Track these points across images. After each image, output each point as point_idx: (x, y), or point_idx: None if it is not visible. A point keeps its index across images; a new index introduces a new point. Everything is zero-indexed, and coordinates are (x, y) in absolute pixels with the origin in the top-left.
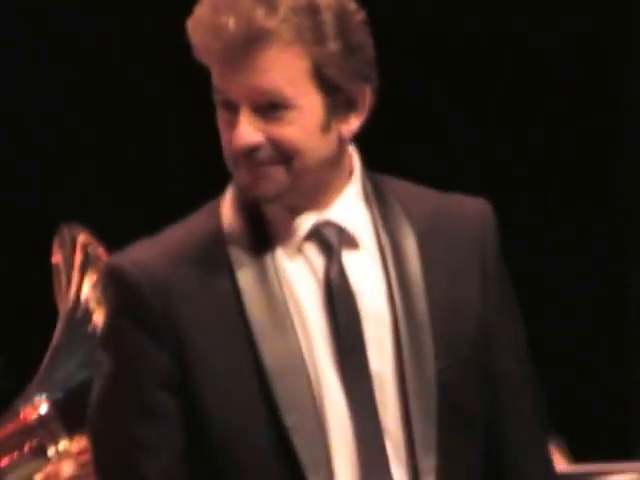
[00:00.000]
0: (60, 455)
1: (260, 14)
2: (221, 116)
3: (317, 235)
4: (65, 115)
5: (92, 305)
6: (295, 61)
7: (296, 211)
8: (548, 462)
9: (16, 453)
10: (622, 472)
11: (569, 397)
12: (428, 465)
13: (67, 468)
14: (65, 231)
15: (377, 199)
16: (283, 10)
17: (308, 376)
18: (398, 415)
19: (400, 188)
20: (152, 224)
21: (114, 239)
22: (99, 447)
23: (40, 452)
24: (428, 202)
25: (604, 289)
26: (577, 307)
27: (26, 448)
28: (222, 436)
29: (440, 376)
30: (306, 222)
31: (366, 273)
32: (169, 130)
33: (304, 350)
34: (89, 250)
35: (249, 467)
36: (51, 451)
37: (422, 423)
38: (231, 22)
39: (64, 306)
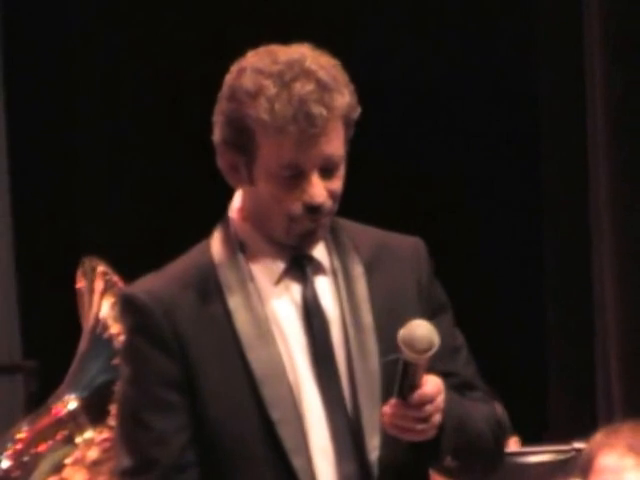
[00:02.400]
0: (86, 443)
1: (338, 100)
2: (280, 182)
3: (294, 265)
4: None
5: (109, 321)
6: (342, 129)
7: (277, 246)
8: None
9: (50, 441)
10: (541, 453)
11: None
12: (374, 443)
13: (92, 453)
14: (87, 262)
15: (332, 235)
16: (347, 93)
17: (288, 379)
18: (350, 403)
19: (349, 227)
20: (158, 257)
21: (126, 268)
22: (121, 438)
23: (69, 441)
24: (372, 238)
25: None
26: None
27: (58, 437)
28: (220, 429)
29: (384, 370)
30: (286, 256)
31: (325, 292)
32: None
33: (285, 358)
34: (107, 278)
35: (242, 454)
36: (78, 439)
37: (369, 409)
38: (322, 111)
39: (87, 322)
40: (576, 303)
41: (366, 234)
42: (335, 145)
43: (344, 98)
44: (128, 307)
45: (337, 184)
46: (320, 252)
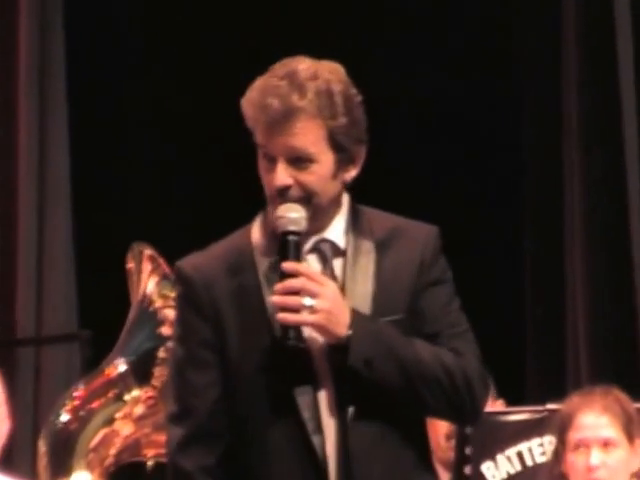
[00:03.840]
0: (133, 400)
1: (295, 97)
2: (262, 164)
3: (316, 249)
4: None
5: (154, 297)
6: (317, 129)
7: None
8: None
9: (103, 399)
10: (519, 412)
11: None
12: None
13: (138, 409)
14: (136, 247)
15: (353, 220)
16: (310, 94)
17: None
18: None
19: (370, 213)
20: (199, 242)
21: (171, 253)
22: (170, 389)
23: (119, 398)
24: (391, 222)
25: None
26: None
27: (110, 395)
28: (245, 385)
29: None
30: (309, 241)
31: (338, 268)
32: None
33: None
34: (153, 260)
35: (262, 405)
36: (127, 397)
37: None
38: (275, 102)
39: (135, 297)
40: (549, 292)
41: (385, 219)
42: (301, 140)
43: (304, 101)
44: (178, 277)
45: (309, 178)
46: (338, 232)
